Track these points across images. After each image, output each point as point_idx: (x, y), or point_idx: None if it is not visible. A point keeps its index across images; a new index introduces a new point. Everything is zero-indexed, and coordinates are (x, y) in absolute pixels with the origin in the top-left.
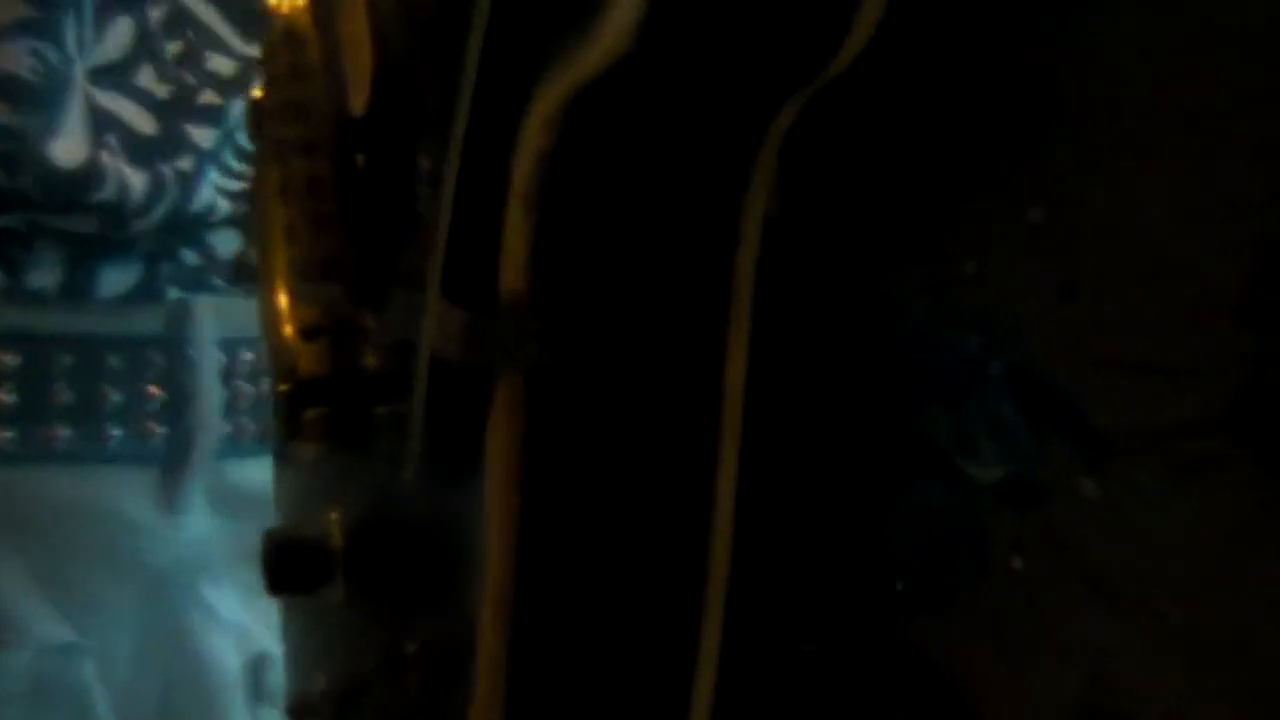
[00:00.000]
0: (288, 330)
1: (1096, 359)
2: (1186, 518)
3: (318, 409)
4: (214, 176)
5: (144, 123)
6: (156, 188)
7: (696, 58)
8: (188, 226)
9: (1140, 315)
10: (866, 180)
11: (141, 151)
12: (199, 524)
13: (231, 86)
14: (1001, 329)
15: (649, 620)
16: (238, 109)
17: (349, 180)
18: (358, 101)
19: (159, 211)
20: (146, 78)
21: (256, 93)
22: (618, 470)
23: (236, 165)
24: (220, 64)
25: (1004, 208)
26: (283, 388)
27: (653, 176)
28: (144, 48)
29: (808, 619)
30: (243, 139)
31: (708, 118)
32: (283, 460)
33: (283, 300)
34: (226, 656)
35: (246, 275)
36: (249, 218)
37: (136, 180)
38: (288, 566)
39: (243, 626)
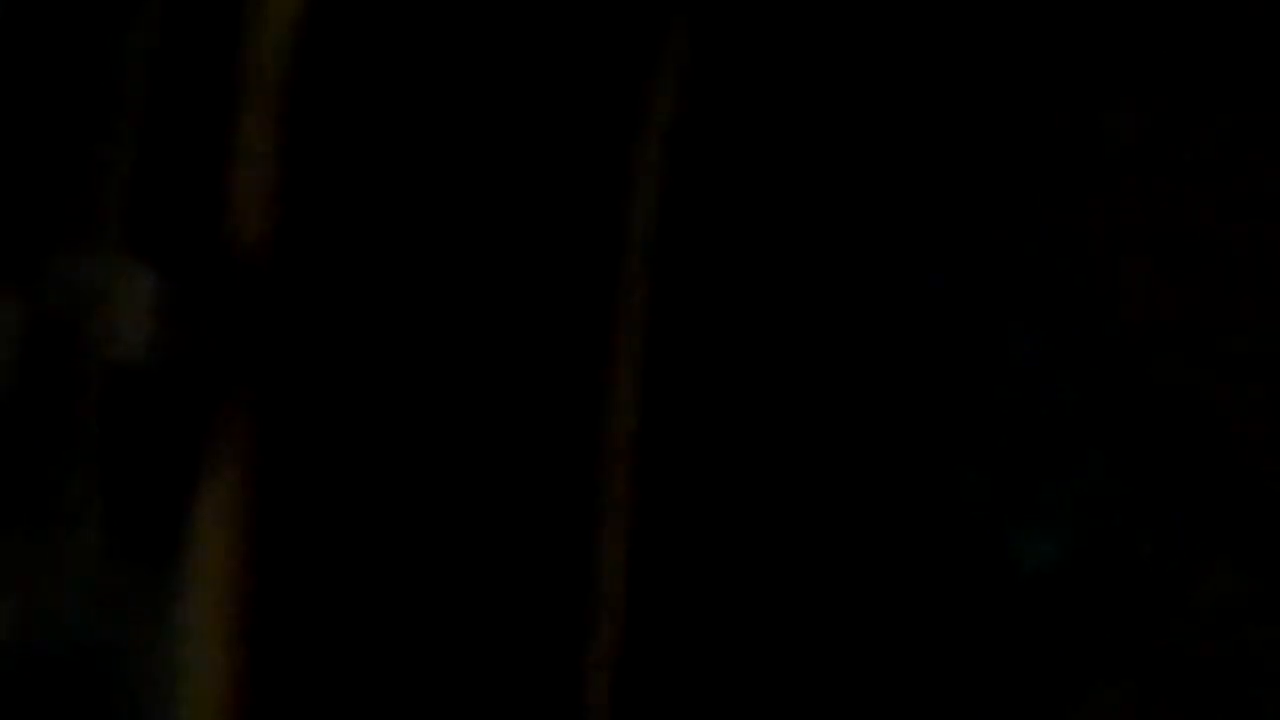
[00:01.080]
0: None
1: (1233, 363)
2: None
3: None
4: None
5: None
6: None
7: None
8: None
9: None
10: (840, 65)
11: None
12: None
13: None
14: (1078, 318)
15: None
16: None
17: None
18: None
19: None
20: None
21: None
22: (426, 556)
23: None
24: None
25: (1081, 114)
26: None
27: (483, 63)
28: None
29: None
30: None
31: None
32: None
33: None
34: None
35: None
36: None
37: None
38: None
39: None
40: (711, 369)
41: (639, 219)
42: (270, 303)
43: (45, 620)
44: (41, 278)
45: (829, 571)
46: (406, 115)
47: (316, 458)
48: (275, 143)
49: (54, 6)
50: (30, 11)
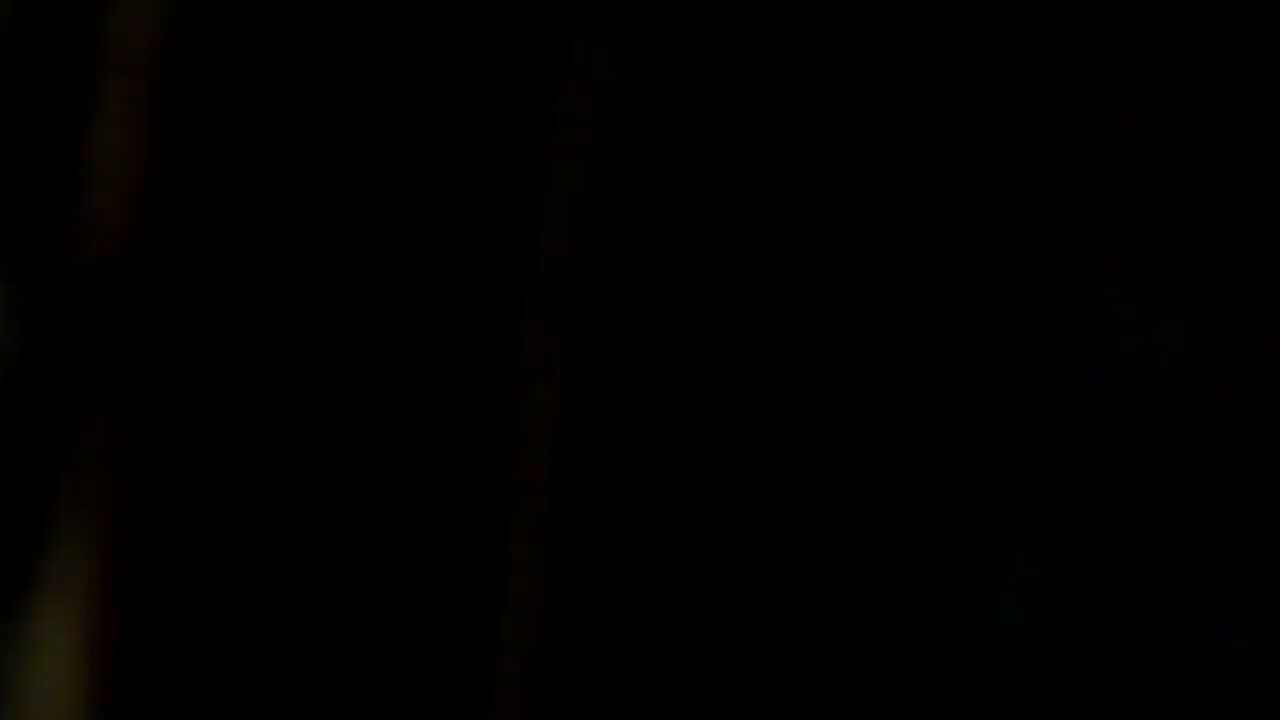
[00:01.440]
0: None
1: (1236, 379)
2: None
3: None
4: None
5: None
6: None
7: None
8: None
9: None
10: (836, 63)
11: None
12: None
13: None
14: (1071, 335)
15: None
16: None
17: None
18: None
19: None
20: None
21: None
22: (306, 569)
23: None
24: None
25: (1080, 123)
26: None
27: (367, 63)
28: None
29: None
30: None
31: None
32: None
33: None
34: None
35: None
36: None
37: None
38: None
39: None
40: (670, 375)
41: (554, 198)
42: (135, 306)
43: None
44: None
45: (801, 612)
46: (287, 108)
47: (189, 469)
48: (139, 140)
49: None
50: None
